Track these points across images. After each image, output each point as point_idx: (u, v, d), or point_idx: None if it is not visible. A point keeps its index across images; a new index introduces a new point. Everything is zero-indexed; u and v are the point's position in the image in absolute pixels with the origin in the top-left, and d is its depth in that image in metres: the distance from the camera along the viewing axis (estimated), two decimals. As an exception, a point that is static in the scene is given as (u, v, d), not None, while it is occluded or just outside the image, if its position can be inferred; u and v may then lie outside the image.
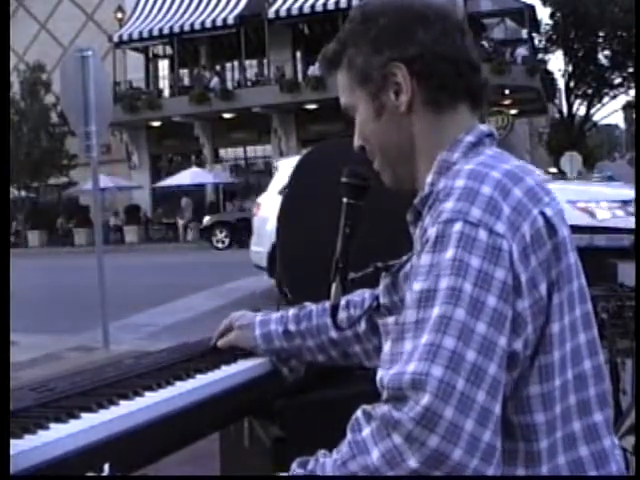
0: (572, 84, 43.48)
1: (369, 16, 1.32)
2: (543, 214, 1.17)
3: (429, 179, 1.27)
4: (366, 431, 1.08)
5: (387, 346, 1.26)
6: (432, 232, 1.14)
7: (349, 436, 1.11)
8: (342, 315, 1.64)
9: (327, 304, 1.69)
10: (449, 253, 1.10)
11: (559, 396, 1.16)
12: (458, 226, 1.11)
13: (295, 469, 1.18)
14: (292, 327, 1.70)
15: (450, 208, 1.13)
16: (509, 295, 1.10)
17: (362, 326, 1.63)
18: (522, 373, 1.14)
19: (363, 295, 1.67)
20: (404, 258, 1.55)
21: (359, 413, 1.12)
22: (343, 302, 1.62)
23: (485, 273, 1.09)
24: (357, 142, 1.39)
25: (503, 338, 1.08)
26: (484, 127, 1.31)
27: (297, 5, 28.69)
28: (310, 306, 1.73)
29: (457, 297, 1.08)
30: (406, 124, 1.30)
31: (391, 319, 1.33)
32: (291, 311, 1.73)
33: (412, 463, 1.02)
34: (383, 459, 1.04)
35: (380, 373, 1.15)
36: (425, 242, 1.15)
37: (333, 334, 1.67)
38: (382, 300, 1.59)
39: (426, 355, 1.05)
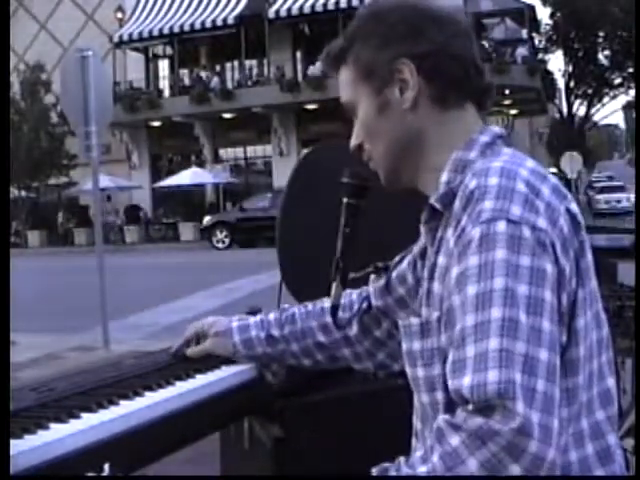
0: (572, 84, 43.50)
1: (380, 12, 1.32)
2: (569, 210, 1.18)
3: (445, 178, 1.26)
4: (455, 441, 1.05)
5: (416, 345, 1.28)
6: (475, 233, 1.12)
7: (438, 448, 1.06)
8: (328, 318, 1.60)
9: (310, 307, 1.67)
10: (499, 254, 1.10)
11: (580, 392, 1.18)
12: (502, 225, 1.11)
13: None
14: (275, 332, 1.66)
15: (490, 207, 1.13)
16: (557, 288, 1.12)
17: (353, 329, 1.60)
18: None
19: (350, 297, 1.63)
20: (397, 259, 1.55)
21: (442, 423, 1.08)
22: (328, 305, 1.58)
23: (537, 270, 1.10)
24: (355, 141, 1.37)
25: (558, 331, 1.10)
26: (496, 128, 1.32)
27: (297, 5, 28.70)
28: (292, 309, 1.69)
29: (514, 298, 1.08)
30: (410, 121, 1.30)
31: (415, 320, 1.30)
32: (272, 315, 1.69)
33: (516, 470, 1.02)
34: (483, 468, 1.03)
35: (450, 383, 1.10)
36: (467, 243, 1.13)
37: (320, 337, 1.63)
38: (375, 302, 1.57)
39: (500, 362, 1.05)
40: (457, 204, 1.19)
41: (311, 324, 1.64)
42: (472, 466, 1.03)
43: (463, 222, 1.16)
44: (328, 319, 1.60)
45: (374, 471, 1.15)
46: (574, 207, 1.20)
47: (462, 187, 1.19)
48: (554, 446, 1.03)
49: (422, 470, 1.07)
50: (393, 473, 1.12)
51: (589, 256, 1.21)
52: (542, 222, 1.12)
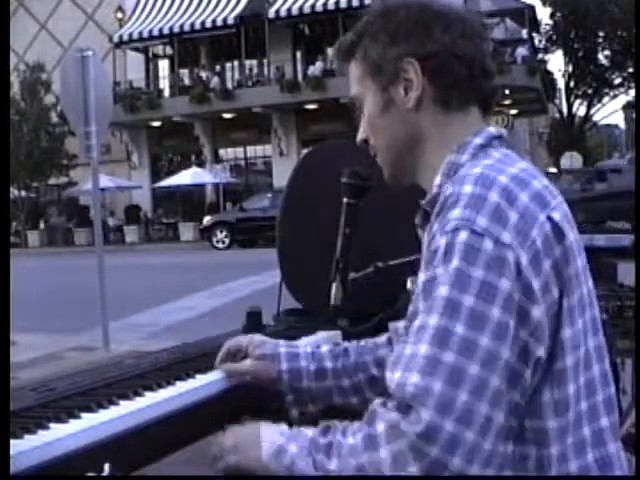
0: (572, 84, 43.46)
1: (390, 9, 1.32)
2: (550, 219, 1.16)
3: (437, 181, 1.27)
4: (380, 427, 1.11)
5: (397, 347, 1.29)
6: (442, 243, 1.13)
7: (365, 428, 1.14)
8: (382, 352, 1.55)
9: (363, 342, 1.59)
10: (454, 263, 1.11)
11: (572, 402, 1.16)
12: (463, 235, 1.11)
13: (317, 435, 1.21)
14: (328, 364, 1.55)
15: (457, 216, 1.13)
16: (514, 306, 1.10)
17: None
18: (540, 378, 1.15)
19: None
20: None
21: (376, 406, 1.14)
22: (383, 339, 1.56)
23: (489, 284, 1.09)
24: (361, 135, 1.38)
25: (506, 350, 1.09)
26: (493, 129, 1.30)
27: (297, 5, 28.68)
28: (343, 344, 1.61)
29: (456, 310, 1.09)
30: (413, 120, 1.30)
31: (401, 323, 1.32)
32: (324, 348, 1.58)
33: (414, 470, 1.07)
34: (390, 460, 1.08)
35: (387, 374, 1.17)
36: (434, 252, 1.15)
37: (374, 371, 1.54)
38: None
39: (425, 368, 1.08)
40: (435, 210, 1.19)
41: (365, 359, 1.56)
42: (383, 455, 1.09)
43: (434, 229, 1.17)
44: (382, 352, 1.54)
45: (320, 427, 1.22)
46: (557, 215, 1.17)
47: (442, 193, 1.20)
48: (462, 456, 1.05)
49: (349, 442, 1.15)
50: (332, 435, 1.19)
51: (579, 262, 1.19)
52: (507, 236, 1.11)
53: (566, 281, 1.16)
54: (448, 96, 1.29)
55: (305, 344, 1.63)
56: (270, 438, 1.26)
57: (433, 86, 1.28)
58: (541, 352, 1.13)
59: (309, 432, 1.23)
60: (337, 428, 1.20)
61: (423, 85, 1.28)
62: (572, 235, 1.19)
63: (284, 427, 1.29)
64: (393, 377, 1.13)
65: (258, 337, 1.63)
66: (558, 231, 1.16)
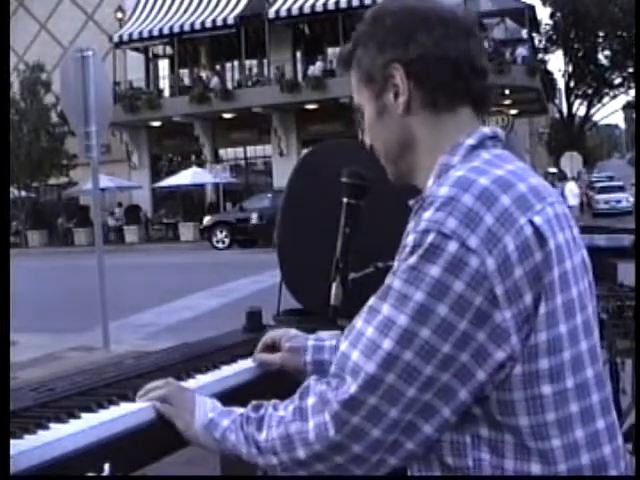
0: (572, 84, 43.53)
1: (377, 17, 1.34)
2: (532, 223, 1.15)
3: (430, 182, 1.27)
4: (310, 401, 1.22)
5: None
6: (409, 240, 1.17)
7: (296, 401, 1.25)
8: None
9: None
10: (414, 260, 1.15)
11: (551, 403, 1.16)
12: (431, 237, 1.14)
13: (249, 411, 1.31)
14: None
15: (428, 218, 1.15)
16: (469, 308, 1.12)
17: None
18: (509, 379, 1.15)
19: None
20: None
21: (311, 381, 1.26)
22: None
23: (442, 283, 1.12)
24: (368, 141, 1.40)
25: (447, 345, 1.13)
26: (486, 129, 1.29)
27: (297, 5, 28.70)
28: None
29: (405, 303, 1.14)
30: (405, 125, 1.31)
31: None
32: None
33: (335, 436, 1.17)
34: (314, 431, 1.19)
35: (342, 338, 1.24)
36: (403, 248, 1.18)
37: None
38: None
39: (365, 349, 1.17)
40: (414, 209, 1.21)
41: None
42: (309, 426, 1.20)
43: (409, 228, 1.20)
44: None
45: (251, 404, 1.32)
46: (539, 219, 1.16)
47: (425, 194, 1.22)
48: (382, 428, 1.15)
49: (279, 414, 1.26)
50: (264, 410, 1.29)
51: (567, 264, 1.18)
52: (474, 240, 1.12)
53: (547, 285, 1.15)
54: (435, 99, 1.29)
55: (329, 337, 1.70)
56: (203, 409, 1.36)
57: (419, 90, 1.29)
58: (501, 356, 1.13)
59: (240, 410, 1.34)
60: (269, 404, 1.30)
61: (409, 89, 1.29)
62: (558, 239, 1.18)
63: (217, 403, 1.39)
64: (342, 344, 1.22)
65: (293, 331, 1.72)
66: (539, 236, 1.15)
